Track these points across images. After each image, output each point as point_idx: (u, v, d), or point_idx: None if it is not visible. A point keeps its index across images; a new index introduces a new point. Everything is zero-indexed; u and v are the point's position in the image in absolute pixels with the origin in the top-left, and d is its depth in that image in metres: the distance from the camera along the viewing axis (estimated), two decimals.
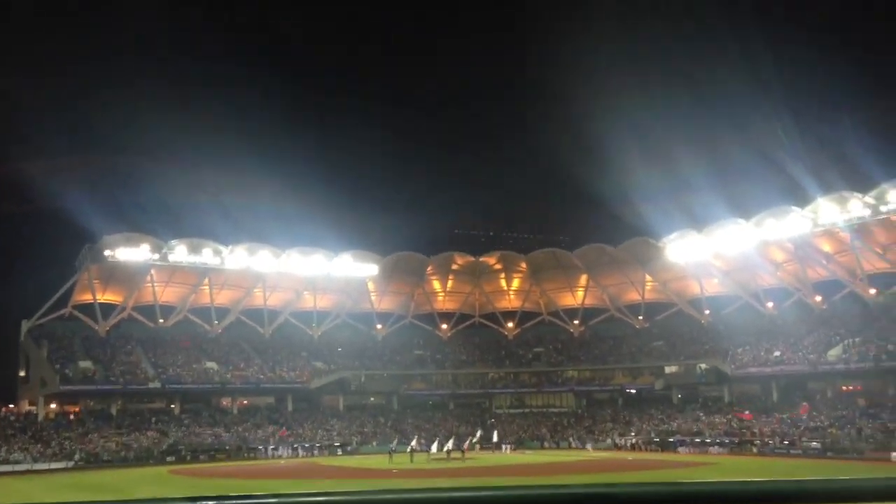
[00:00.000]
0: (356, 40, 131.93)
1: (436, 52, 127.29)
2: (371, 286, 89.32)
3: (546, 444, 73.95)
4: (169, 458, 62.14)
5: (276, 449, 67.68)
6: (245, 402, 78.54)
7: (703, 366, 76.07)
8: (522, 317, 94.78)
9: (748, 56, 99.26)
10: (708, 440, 64.43)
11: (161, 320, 79.67)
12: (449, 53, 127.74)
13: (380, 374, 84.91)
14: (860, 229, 66.83)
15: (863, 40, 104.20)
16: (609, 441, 71.50)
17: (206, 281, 79.73)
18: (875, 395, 63.08)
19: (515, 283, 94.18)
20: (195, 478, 47.01)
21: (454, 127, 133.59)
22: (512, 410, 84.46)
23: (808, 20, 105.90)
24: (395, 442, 63.22)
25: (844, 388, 67.56)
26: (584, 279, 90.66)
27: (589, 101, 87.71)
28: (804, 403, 65.09)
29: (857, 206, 65.22)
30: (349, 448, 70.47)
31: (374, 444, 70.52)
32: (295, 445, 68.85)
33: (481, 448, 66.10)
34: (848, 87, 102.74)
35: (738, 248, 74.29)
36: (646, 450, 66.35)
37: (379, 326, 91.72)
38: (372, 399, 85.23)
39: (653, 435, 69.41)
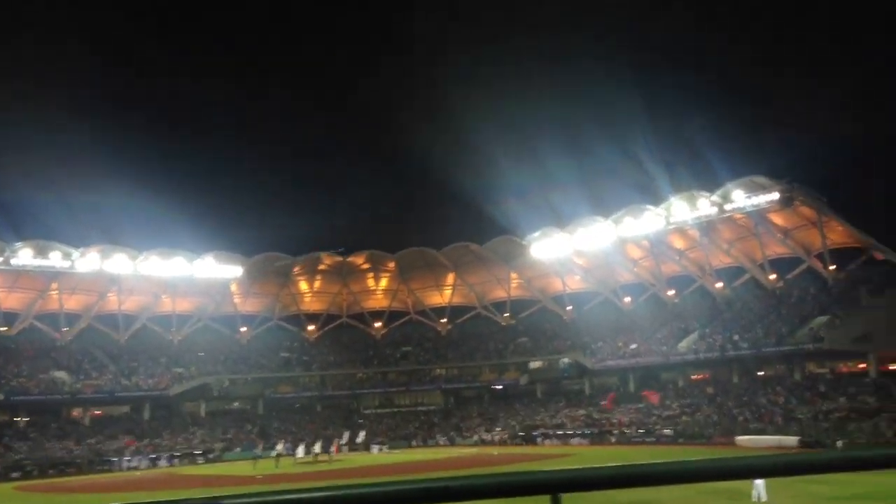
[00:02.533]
0: (214, 37, 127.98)
1: (302, 52, 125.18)
2: (235, 288, 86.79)
3: (414, 443, 74.11)
4: (14, 475, 58.12)
5: (130, 460, 64.49)
6: (98, 412, 74.55)
7: (566, 360, 78.38)
8: (390, 316, 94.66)
9: (609, 59, 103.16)
10: (570, 432, 66.38)
11: (4, 328, 74.44)
12: (312, 51, 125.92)
13: (244, 379, 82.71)
14: (708, 227, 70.56)
15: (713, 49, 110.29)
16: (476, 437, 72.39)
17: (55, 286, 75.13)
18: (721, 383, 66.75)
19: (383, 283, 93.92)
20: (43, 494, 44.30)
21: (321, 126, 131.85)
22: (380, 410, 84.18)
23: (665, 31, 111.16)
24: (259, 447, 61.65)
25: (694, 377, 71.23)
26: (451, 278, 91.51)
27: (455, 101, 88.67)
28: (652, 393, 68.06)
29: (705, 205, 68.71)
30: (212, 456, 68.16)
31: (239, 450, 68.56)
32: (153, 455, 65.90)
33: (350, 449, 65.51)
34: (699, 93, 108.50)
35: (598, 245, 76.88)
36: (511, 444, 67.60)
37: (243, 329, 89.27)
38: (236, 404, 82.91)
39: (518, 429, 70.83)
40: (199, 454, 68.07)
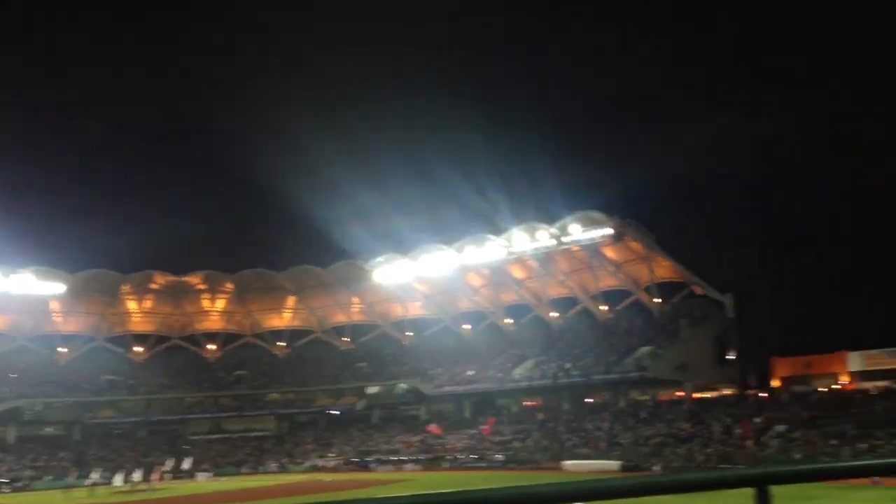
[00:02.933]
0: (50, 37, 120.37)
1: (134, 63, 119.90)
2: (56, 306, 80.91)
3: (245, 470, 71.31)
4: None
5: None
6: None
7: (404, 386, 78.29)
8: (226, 338, 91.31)
9: (454, 91, 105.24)
10: (404, 458, 66.02)
11: None
12: (152, 63, 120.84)
13: (61, 402, 76.99)
14: (546, 258, 72.87)
15: (552, 84, 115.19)
16: (309, 463, 70.61)
17: None
18: (552, 410, 68.69)
19: (220, 304, 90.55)
20: None
21: (156, 140, 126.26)
22: (210, 436, 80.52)
23: (507, 66, 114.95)
24: (73, 475, 57.33)
25: (527, 403, 72.95)
26: (291, 301, 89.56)
27: (301, 124, 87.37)
28: (488, 419, 69.11)
29: (545, 237, 70.96)
30: (19, 485, 62.65)
31: (50, 478, 63.44)
32: None
33: (174, 477, 62.13)
34: (542, 127, 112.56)
35: (440, 272, 77.57)
36: (345, 470, 66.39)
37: (63, 350, 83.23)
38: (50, 429, 76.88)
39: (352, 455, 69.76)
40: (4, 483, 62.41)
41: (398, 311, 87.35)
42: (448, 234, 77.21)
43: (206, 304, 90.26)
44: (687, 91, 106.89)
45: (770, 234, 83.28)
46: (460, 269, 76.64)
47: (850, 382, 58.25)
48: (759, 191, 73.24)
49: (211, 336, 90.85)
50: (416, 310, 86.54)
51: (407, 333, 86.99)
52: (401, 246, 79.13)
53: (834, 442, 46.42)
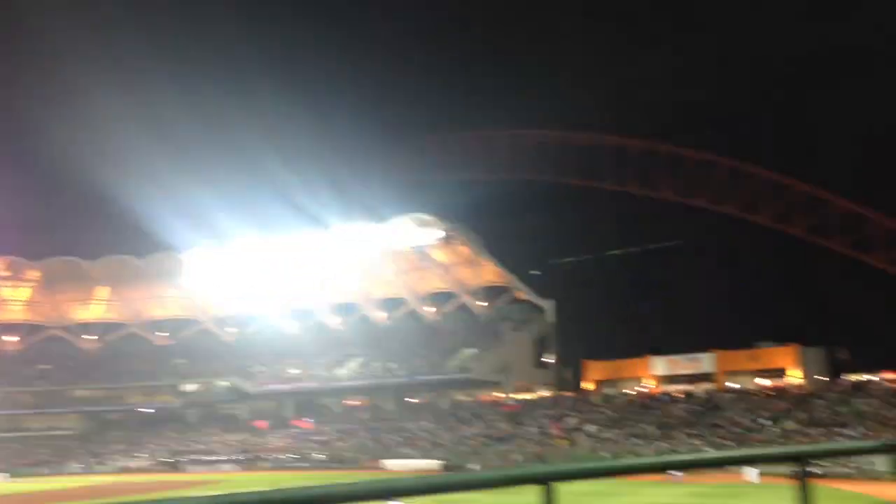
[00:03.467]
0: None
1: None
2: None
3: (46, 471, 66.31)
4: None
5: None
6: None
7: (224, 383, 75.68)
8: (29, 330, 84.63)
9: (285, 86, 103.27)
10: (223, 458, 63.87)
11: None
12: None
13: None
14: (375, 257, 72.96)
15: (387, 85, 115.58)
16: (118, 464, 66.76)
17: None
18: (377, 409, 68.83)
19: (23, 293, 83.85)
20: None
21: None
22: (6, 434, 74.27)
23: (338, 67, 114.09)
24: None
25: (351, 402, 72.67)
26: (103, 292, 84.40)
27: (116, 109, 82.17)
28: (307, 419, 68.35)
29: (374, 236, 70.98)
30: None
31: None
32: None
33: None
34: (372, 129, 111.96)
35: (263, 266, 75.81)
36: (155, 472, 63.29)
37: None
38: None
39: (165, 456, 66.64)
40: None
41: (219, 305, 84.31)
42: (273, 228, 75.21)
43: (6, 292, 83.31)
44: (509, 99, 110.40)
45: (589, 243, 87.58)
46: (285, 264, 75.21)
47: (656, 385, 62.30)
48: (578, 201, 76.91)
49: (12, 328, 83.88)
50: (238, 305, 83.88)
51: (228, 329, 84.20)
52: (222, 239, 76.28)
53: (638, 441, 49.46)
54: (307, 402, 72.27)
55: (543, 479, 2.22)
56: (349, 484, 2.07)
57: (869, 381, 51.56)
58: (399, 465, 53.49)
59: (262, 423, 67.28)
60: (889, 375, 52.39)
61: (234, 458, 63.52)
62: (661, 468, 2.51)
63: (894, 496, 27.50)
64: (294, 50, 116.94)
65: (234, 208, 78.17)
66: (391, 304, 79.08)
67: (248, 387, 73.09)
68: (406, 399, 69.88)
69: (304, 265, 75.70)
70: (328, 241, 72.45)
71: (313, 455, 61.00)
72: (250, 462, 62.29)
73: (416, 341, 72.12)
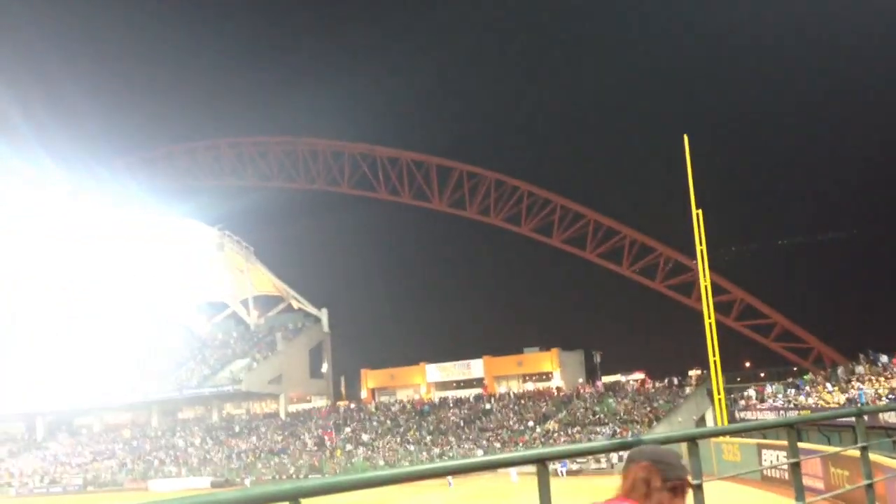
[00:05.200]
0: None
1: None
2: None
3: None
4: None
5: None
6: None
7: None
8: None
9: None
10: None
11: None
12: None
13: None
14: (143, 264, 68.79)
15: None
16: None
17: None
18: (140, 427, 64.86)
19: None
20: None
21: None
22: None
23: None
24: None
25: (112, 421, 67.85)
26: None
27: None
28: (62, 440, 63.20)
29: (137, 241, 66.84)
30: None
31: None
32: None
33: None
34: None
35: None
36: None
37: None
38: None
39: None
40: None
41: None
42: None
43: None
44: (283, 107, 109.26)
45: (365, 253, 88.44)
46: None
47: (430, 392, 63.82)
48: (355, 212, 77.59)
49: None
50: None
51: None
52: None
53: (412, 448, 50.37)
54: (61, 423, 66.61)
55: (292, 496, 2.11)
56: None
57: (619, 382, 56.13)
58: (166, 486, 50.72)
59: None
60: (638, 376, 57.71)
61: None
62: (400, 480, 2.49)
63: None
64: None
65: None
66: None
67: None
68: (174, 414, 66.50)
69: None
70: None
71: (69, 479, 56.18)
72: None
73: (185, 354, 68.91)
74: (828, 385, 36.09)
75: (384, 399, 63.42)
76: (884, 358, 35.15)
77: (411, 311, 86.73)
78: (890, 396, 30.43)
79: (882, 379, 33.07)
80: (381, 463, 48.95)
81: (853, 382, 34.56)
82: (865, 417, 6.84)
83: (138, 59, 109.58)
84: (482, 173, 67.05)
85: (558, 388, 56.37)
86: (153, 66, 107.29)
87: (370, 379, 67.52)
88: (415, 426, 53.93)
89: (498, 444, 47.79)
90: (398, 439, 52.42)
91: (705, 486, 3.53)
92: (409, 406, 58.37)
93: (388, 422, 55.74)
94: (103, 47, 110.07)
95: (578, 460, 38.14)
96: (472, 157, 71.76)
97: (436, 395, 62.06)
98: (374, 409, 59.30)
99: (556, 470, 35.92)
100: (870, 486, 5.13)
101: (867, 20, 69.24)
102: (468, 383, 63.04)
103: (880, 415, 25.47)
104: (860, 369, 36.06)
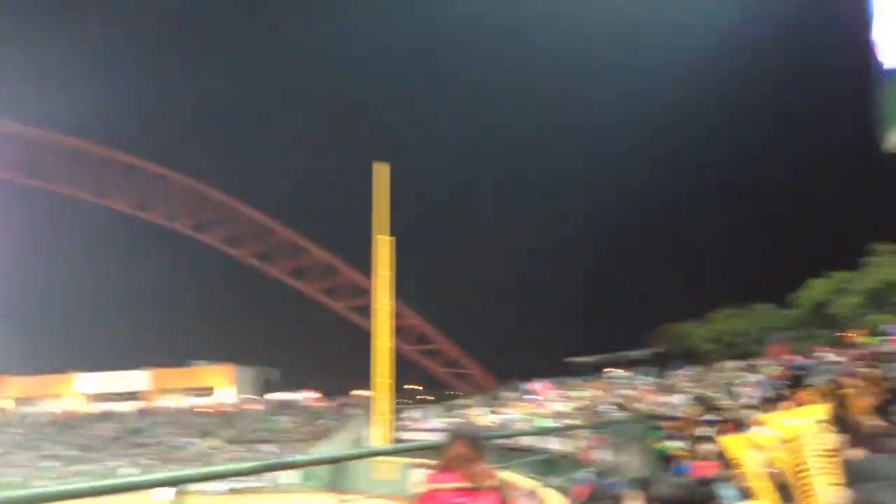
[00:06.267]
0: None
1: None
2: None
3: None
4: None
5: None
6: None
7: None
8: None
9: None
10: None
11: None
12: None
13: None
14: None
15: None
16: None
17: None
18: None
19: None
20: None
21: None
22: None
23: None
24: None
25: None
26: None
27: None
28: None
29: None
30: None
31: None
32: None
33: None
34: None
35: None
36: None
37: None
38: None
39: None
40: None
41: None
42: None
43: None
44: None
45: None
46: None
47: (83, 403, 58.22)
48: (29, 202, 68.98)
49: None
50: None
51: None
52: None
53: (53, 464, 45.25)
54: None
55: None
56: None
57: (293, 400, 55.55)
58: None
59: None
60: (311, 394, 57.43)
61: None
62: None
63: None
64: None
65: None
66: None
67: None
68: None
69: None
70: None
71: None
72: None
73: None
74: (478, 409, 38.84)
75: (28, 409, 56.77)
76: (523, 385, 39.27)
77: (66, 317, 78.73)
78: (525, 419, 33.22)
79: (522, 405, 36.36)
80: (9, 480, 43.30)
81: (503, 408, 37.49)
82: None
83: None
84: (170, 175, 62.46)
85: (224, 404, 54.47)
86: None
87: (12, 386, 59.99)
88: (59, 440, 48.71)
89: (155, 461, 44.68)
90: (36, 454, 46.83)
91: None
92: (55, 418, 52.65)
93: (26, 434, 49.77)
94: None
95: (244, 479, 36.73)
96: (161, 155, 66.13)
97: (96, 407, 56.72)
98: (11, 420, 52.66)
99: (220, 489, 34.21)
100: None
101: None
102: (132, 395, 58.58)
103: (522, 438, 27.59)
104: (507, 395, 39.45)
